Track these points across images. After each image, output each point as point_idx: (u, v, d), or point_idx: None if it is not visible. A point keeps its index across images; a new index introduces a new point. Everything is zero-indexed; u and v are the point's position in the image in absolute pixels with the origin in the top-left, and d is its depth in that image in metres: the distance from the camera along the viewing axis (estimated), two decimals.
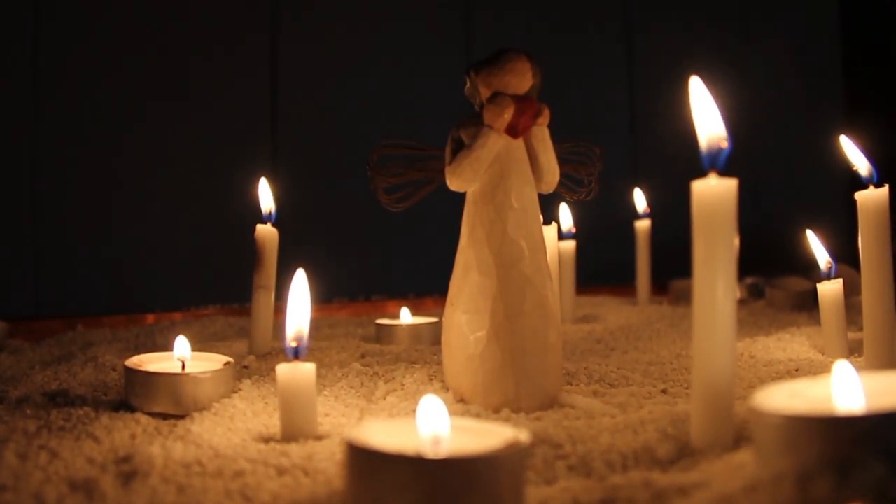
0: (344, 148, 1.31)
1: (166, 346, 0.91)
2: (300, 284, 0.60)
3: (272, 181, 0.91)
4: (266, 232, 0.88)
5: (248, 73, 1.27)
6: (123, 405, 0.65)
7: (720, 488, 0.40)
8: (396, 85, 1.36)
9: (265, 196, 0.90)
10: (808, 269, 1.24)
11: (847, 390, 0.45)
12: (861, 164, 0.73)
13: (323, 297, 1.21)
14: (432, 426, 0.43)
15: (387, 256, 1.33)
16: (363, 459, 0.39)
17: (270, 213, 0.89)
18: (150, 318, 1.16)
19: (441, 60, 1.39)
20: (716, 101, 0.51)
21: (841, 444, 0.38)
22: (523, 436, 0.41)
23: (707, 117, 0.50)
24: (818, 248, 0.86)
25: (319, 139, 1.31)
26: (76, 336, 1.02)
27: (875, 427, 0.38)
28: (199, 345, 0.84)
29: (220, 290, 1.22)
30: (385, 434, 0.43)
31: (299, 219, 1.16)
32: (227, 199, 1.22)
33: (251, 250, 0.88)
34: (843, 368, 0.46)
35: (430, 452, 0.39)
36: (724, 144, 0.49)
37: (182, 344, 0.69)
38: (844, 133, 0.76)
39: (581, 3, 1.50)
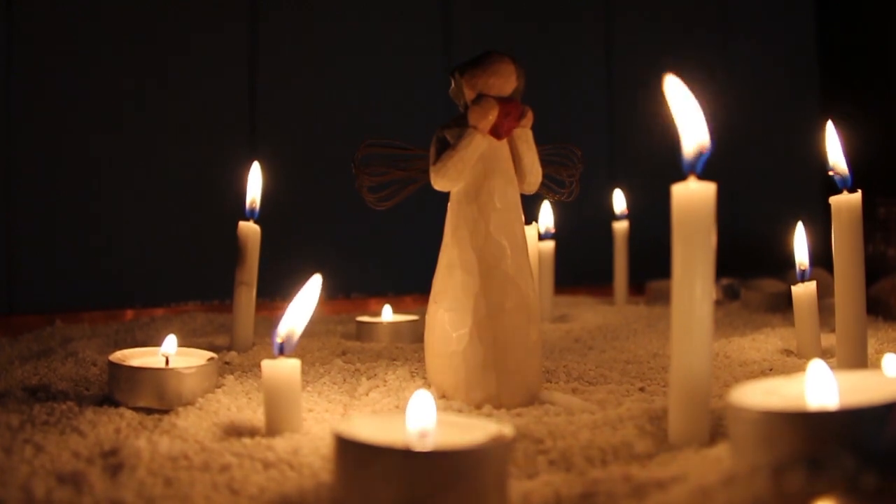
0: (325, 146, 1.31)
1: (146, 342, 0.91)
2: (313, 289, 0.60)
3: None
4: (248, 229, 0.88)
5: (227, 68, 1.27)
6: (106, 400, 0.65)
7: (698, 481, 0.41)
8: (379, 84, 1.36)
9: (254, 182, 0.90)
10: (783, 270, 1.26)
11: (821, 387, 0.46)
12: (840, 165, 0.74)
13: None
14: (420, 420, 0.44)
15: (367, 254, 1.34)
16: (352, 452, 0.39)
17: (253, 210, 0.89)
18: (130, 313, 1.16)
19: (421, 60, 1.39)
20: (695, 100, 0.51)
21: (814, 438, 0.39)
22: (507, 430, 0.42)
23: (689, 121, 0.51)
24: (801, 245, 0.87)
25: (300, 136, 1.32)
26: (55, 331, 1.01)
27: (847, 422, 0.39)
28: (179, 341, 0.84)
29: (200, 286, 1.21)
30: (371, 428, 0.44)
31: (281, 216, 1.16)
32: (207, 194, 1.22)
33: (232, 246, 0.89)
34: (817, 367, 0.47)
35: (418, 445, 0.40)
36: (705, 149, 0.51)
37: (171, 342, 0.69)
38: (828, 124, 0.76)
39: (560, 4, 1.51)
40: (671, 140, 0.52)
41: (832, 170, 0.75)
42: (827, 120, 0.75)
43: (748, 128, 1.61)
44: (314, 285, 0.60)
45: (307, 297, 0.59)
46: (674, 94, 0.51)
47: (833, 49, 1.68)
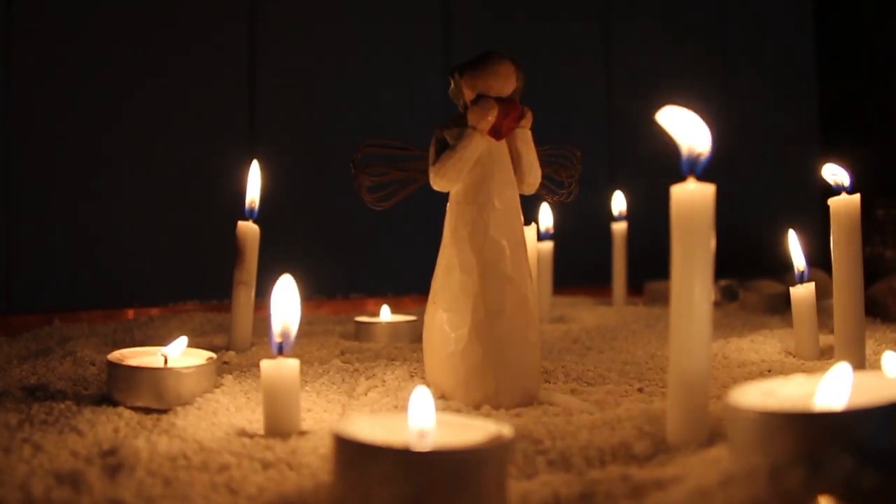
0: (324, 146, 1.31)
1: (145, 342, 0.91)
2: (289, 287, 0.60)
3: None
4: (247, 228, 0.88)
5: (226, 67, 1.27)
6: (105, 399, 0.65)
7: (696, 482, 0.41)
8: (379, 84, 1.36)
9: (254, 181, 0.90)
10: (782, 272, 1.26)
11: (837, 389, 0.46)
12: (839, 176, 0.75)
13: (302, 294, 1.21)
14: (420, 417, 0.44)
15: (366, 254, 1.34)
16: (351, 452, 0.39)
17: (252, 210, 0.89)
18: (129, 313, 1.16)
19: (421, 60, 1.39)
20: (698, 115, 0.51)
21: (812, 439, 0.39)
22: (507, 430, 0.42)
23: (691, 132, 0.51)
24: (796, 250, 0.87)
25: (299, 136, 1.32)
26: (53, 331, 1.01)
27: (844, 423, 0.39)
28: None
29: (199, 285, 1.21)
30: (370, 428, 0.44)
31: (280, 216, 1.16)
32: (206, 194, 1.22)
33: (230, 246, 0.89)
34: (841, 369, 0.47)
35: (418, 445, 0.40)
36: (705, 153, 0.51)
37: (181, 343, 0.69)
38: (821, 150, 0.77)
39: (560, 6, 1.51)
40: (671, 144, 0.52)
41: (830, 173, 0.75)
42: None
43: (749, 130, 1.61)
44: (288, 283, 0.60)
45: (290, 295, 0.59)
46: (670, 118, 0.51)
47: (831, 56, 1.68)
